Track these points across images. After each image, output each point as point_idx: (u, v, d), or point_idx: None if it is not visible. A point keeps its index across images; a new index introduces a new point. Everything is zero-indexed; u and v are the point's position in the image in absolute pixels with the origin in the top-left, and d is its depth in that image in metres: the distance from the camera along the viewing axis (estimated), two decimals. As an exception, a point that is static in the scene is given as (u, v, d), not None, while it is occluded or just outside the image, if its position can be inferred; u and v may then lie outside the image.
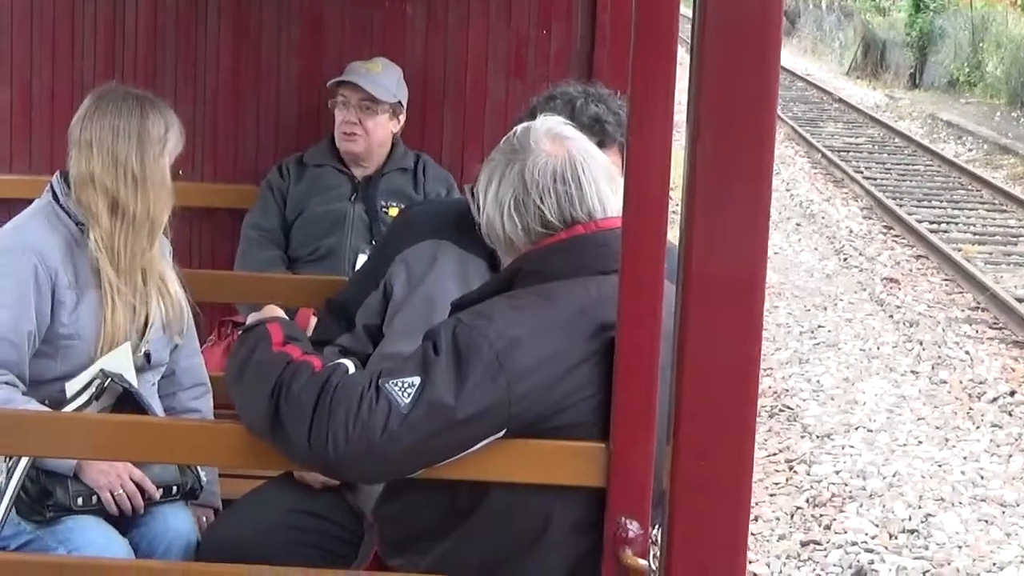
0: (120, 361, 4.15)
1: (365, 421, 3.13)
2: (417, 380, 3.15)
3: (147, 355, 4.31)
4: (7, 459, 3.93)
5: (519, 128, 3.59)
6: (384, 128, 5.77)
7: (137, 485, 4.13)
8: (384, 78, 5.72)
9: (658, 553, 3.24)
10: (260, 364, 3.32)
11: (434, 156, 5.93)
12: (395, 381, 3.16)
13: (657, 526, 3.30)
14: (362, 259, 5.36)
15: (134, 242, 4.20)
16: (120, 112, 4.21)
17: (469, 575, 3.30)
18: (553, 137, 3.51)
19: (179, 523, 4.21)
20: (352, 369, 3.30)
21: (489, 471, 3.24)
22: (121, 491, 4.11)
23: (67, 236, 4.20)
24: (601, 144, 3.90)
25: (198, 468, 4.28)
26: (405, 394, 3.14)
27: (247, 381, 3.32)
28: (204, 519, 4.38)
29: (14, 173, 5.83)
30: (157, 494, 4.18)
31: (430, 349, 3.20)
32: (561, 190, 3.41)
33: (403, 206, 5.60)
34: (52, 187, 4.29)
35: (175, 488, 4.23)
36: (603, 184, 3.46)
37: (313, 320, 4.88)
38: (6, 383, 4.03)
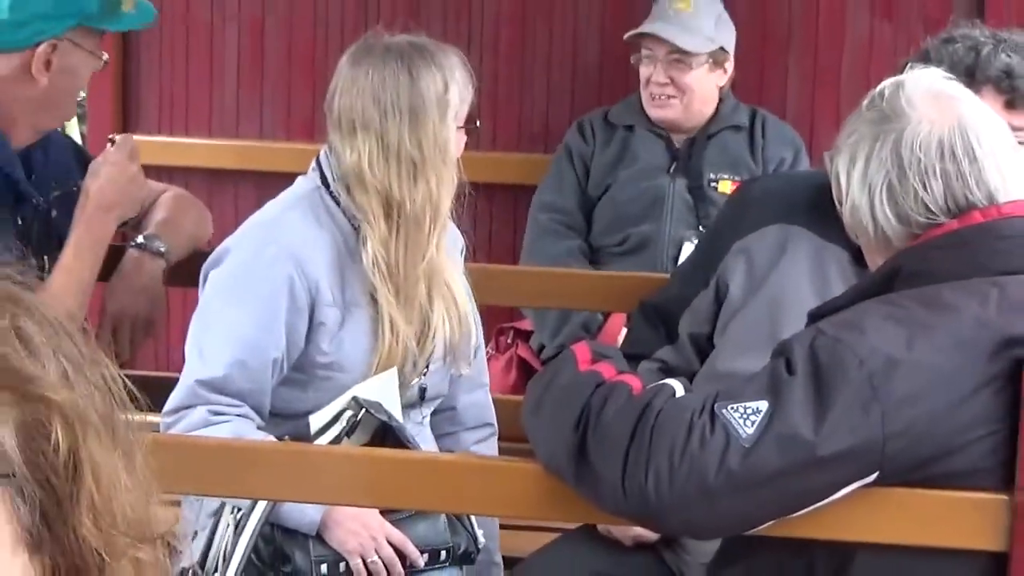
0: (381, 389, 4.15)
1: (696, 456, 3.17)
2: (764, 406, 3.18)
3: (422, 389, 4.36)
4: (235, 511, 4.01)
5: (887, 86, 3.56)
6: (705, 82, 5.78)
7: (396, 550, 4.16)
8: (697, 19, 5.72)
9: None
10: (563, 388, 3.37)
11: (776, 113, 5.93)
12: (735, 406, 3.19)
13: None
14: (687, 249, 5.39)
15: (413, 244, 4.14)
16: (385, 79, 4.13)
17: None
18: (936, 97, 3.50)
19: None
20: (680, 391, 3.34)
21: (856, 529, 3.26)
22: (376, 557, 4.13)
23: (336, 237, 4.23)
24: (1010, 106, 3.88)
25: (474, 526, 4.31)
26: (748, 423, 3.17)
27: (547, 412, 3.37)
28: None
29: (241, 138, 5.99)
30: (421, 561, 4.22)
31: (782, 367, 3.22)
32: (951, 168, 3.38)
33: (738, 179, 5.61)
34: (319, 166, 4.30)
35: (444, 552, 4.27)
36: (1006, 158, 3.45)
37: (624, 330, 4.92)
38: (239, 415, 4.07)
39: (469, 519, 4.31)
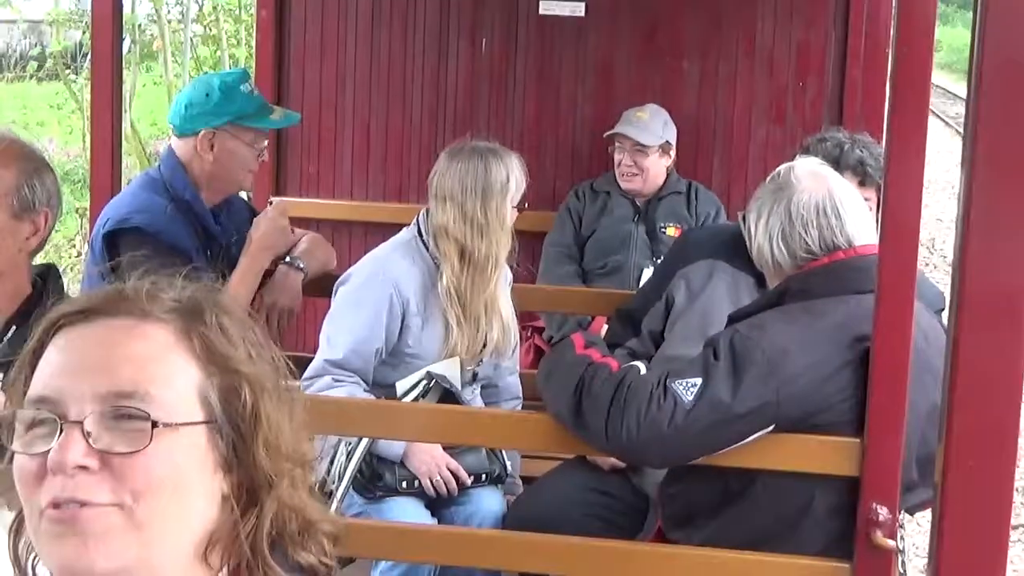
0: (447, 367, 4.22)
1: (655, 415, 3.17)
2: (699, 381, 3.18)
3: (474, 374, 4.36)
4: (348, 444, 4.05)
5: (782, 168, 3.59)
6: (656, 164, 5.76)
7: (452, 473, 4.21)
8: (651, 123, 5.72)
9: (902, 536, 3.23)
10: (566, 365, 3.38)
11: (705, 184, 5.93)
12: (680, 381, 3.19)
13: (902, 511, 3.27)
14: (646, 273, 5.39)
15: (479, 281, 4.22)
16: (468, 169, 4.20)
17: (739, 547, 3.31)
18: (814, 175, 3.51)
19: (489, 504, 4.24)
20: (643, 370, 3.34)
21: (759, 460, 3.25)
22: (439, 477, 4.18)
23: (424, 270, 4.25)
24: (862, 184, 3.90)
25: (504, 458, 4.34)
26: (689, 392, 3.16)
27: (555, 381, 3.38)
28: (508, 501, 4.38)
29: (355, 200, 5.99)
30: (468, 481, 4.24)
31: (710, 355, 3.22)
32: (823, 222, 3.40)
33: (679, 225, 5.62)
34: (418, 224, 4.33)
35: (484, 475, 4.29)
36: (858, 215, 3.45)
37: (604, 327, 4.93)
38: (352, 383, 4.12)
39: (501, 453, 4.34)
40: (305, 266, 4.46)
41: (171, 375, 1.52)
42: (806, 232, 3.40)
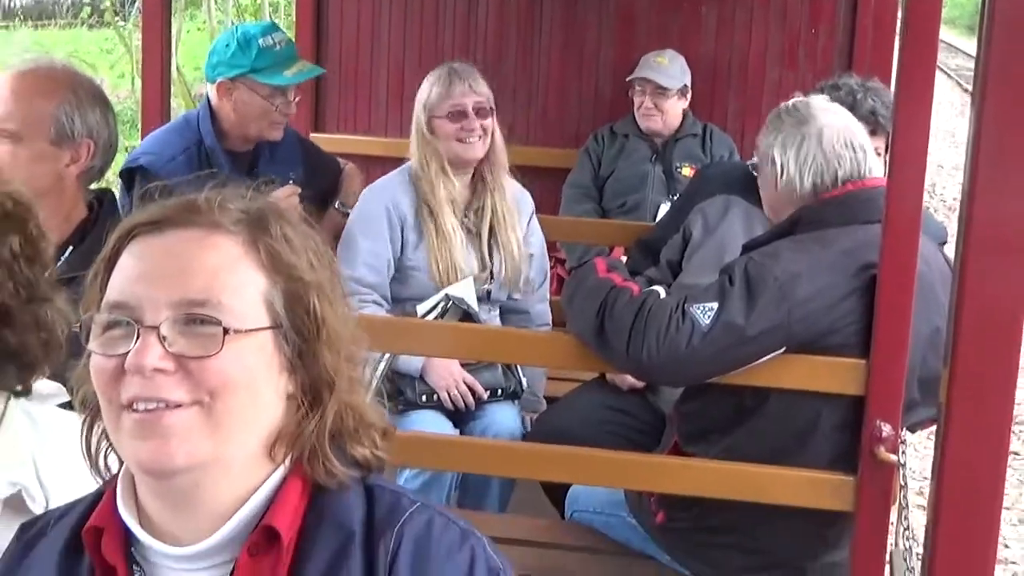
0: (464, 290, 4.21)
1: (673, 336, 3.17)
2: (715, 305, 3.18)
3: (488, 292, 4.33)
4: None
5: (796, 103, 3.57)
6: (675, 106, 5.74)
7: (469, 387, 4.20)
8: (671, 68, 5.70)
9: (903, 451, 3.24)
10: (589, 288, 3.38)
11: (720, 126, 5.90)
12: (697, 305, 3.19)
13: (904, 428, 3.28)
14: (663, 209, 5.38)
15: (435, 189, 4.24)
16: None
17: (751, 461, 3.32)
18: (833, 110, 3.52)
19: (505, 418, 4.24)
20: (663, 295, 3.34)
21: (770, 379, 3.25)
22: (456, 391, 4.18)
23: (413, 196, 4.26)
24: (873, 133, 3.87)
25: (520, 375, 4.33)
26: (706, 316, 3.17)
27: (578, 301, 3.38)
28: (529, 419, 4.40)
29: (388, 136, 5.99)
30: (485, 395, 4.23)
31: (726, 281, 3.22)
32: (848, 153, 3.39)
33: (695, 166, 5.60)
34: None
35: (499, 390, 4.27)
36: (872, 150, 3.45)
37: (622, 258, 4.92)
38: (374, 301, 4.13)
39: (517, 370, 4.32)
40: (349, 208, 4.49)
41: (240, 284, 1.54)
42: (838, 163, 3.39)
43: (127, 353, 1.50)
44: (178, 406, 1.50)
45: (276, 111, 4.36)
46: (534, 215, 4.53)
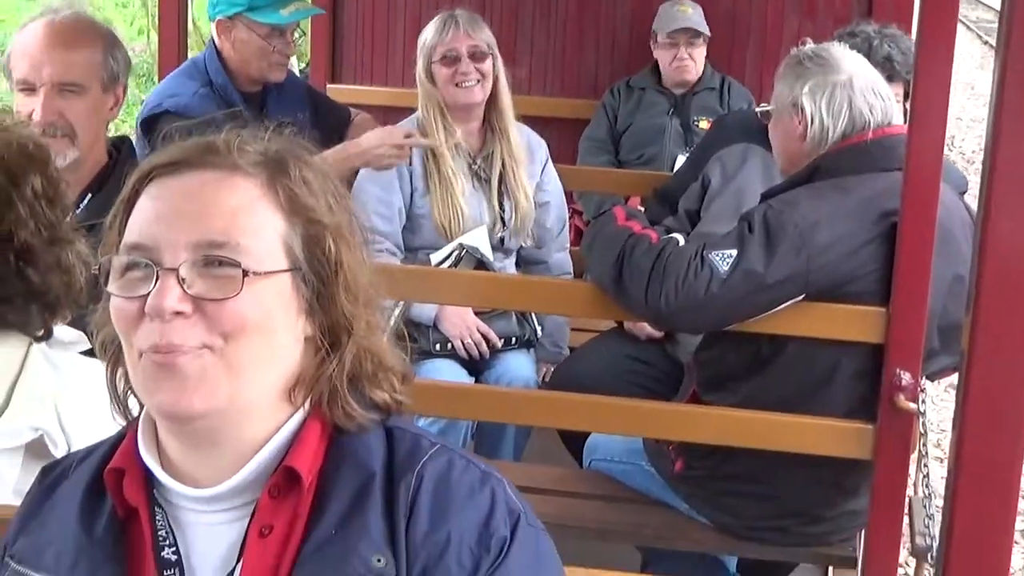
0: (477, 239, 4.20)
1: (692, 283, 3.16)
2: (734, 252, 3.16)
3: (501, 240, 4.31)
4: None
5: (815, 49, 3.52)
6: (702, 54, 5.69)
7: (483, 336, 4.19)
8: (695, 16, 5.64)
9: (923, 400, 3.22)
10: (607, 236, 3.36)
11: (738, 79, 5.86)
12: (716, 252, 3.18)
13: (924, 377, 3.27)
14: (680, 161, 5.34)
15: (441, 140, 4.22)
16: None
17: (769, 410, 3.31)
18: (853, 56, 3.48)
19: (519, 366, 4.23)
20: (682, 242, 3.33)
21: (789, 327, 3.24)
22: (470, 339, 4.16)
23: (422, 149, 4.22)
24: (889, 79, 3.81)
25: (534, 323, 4.31)
26: (724, 263, 3.15)
27: (597, 249, 3.36)
28: (546, 369, 4.40)
29: (404, 87, 5.95)
30: (499, 343, 4.22)
31: (745, 228, 3.20)
32: (878, 104, 3.36)
33: (712, 119, 5.56)
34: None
35: (514, 339, 4.26)
36: (894, 97, 3.43)
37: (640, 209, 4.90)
38: (386, 249, 4.12)
39: (532, 318, 4.31)
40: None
41: (259, 226, 1.53)
42: (870, 111, 3.36)
43: (147, 296, 1.49)
44: (195, 350, 1.49)
45: (274, 52, 4.32)
46: (549, 161, 4.51)
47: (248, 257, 1.51)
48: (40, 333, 2.16)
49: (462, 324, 4.17)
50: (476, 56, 4.22)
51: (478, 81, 4.22)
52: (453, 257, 4.15)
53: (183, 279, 1.49)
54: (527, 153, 4.38)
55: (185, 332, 1.49)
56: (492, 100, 4.28)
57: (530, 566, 1.56)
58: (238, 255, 1.50)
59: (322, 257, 1.57)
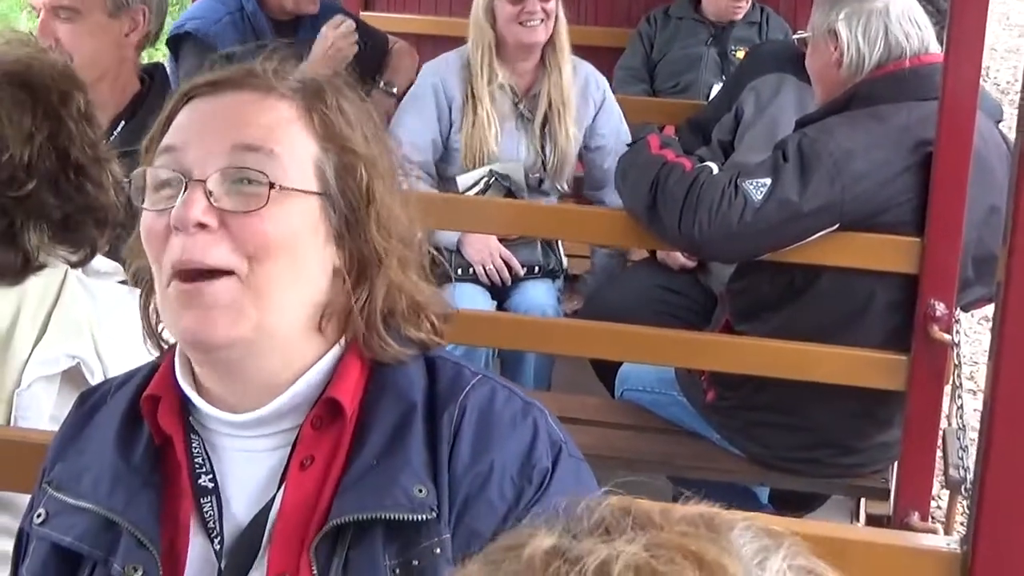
0: (510, 168, 4.17)
1: (725, 212, 3.14)
2: (768, 181, 3.14)
3: (539, 180, 4.27)
4: None
5: None
6: None
7: (505, 263, 4.16)
8: None
9: (958, 330, 3.20)
10: (641, 164, 3.34)
11: (774, 8, 5.78)
12: (751, 181, 3.16)
13: (958, 307, 3.25)
14: (716, 89, 5.29)
15: (478, 72, 4.17)
16: None
17: (802, 339, 3.30)
18: None
19: (538, 295, 4.19)
20: (716, 170, 3.30)
21: (823, 257, 3.22)
22: (491, 265, 4.13)
23: (465, 77, 4.19)
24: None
25: (560, 253, 4.28)
26: (759, 191, 3.13)
27: (630, 178, 3.35)
28: (570, 306, 4.37)
29: (439, 15, 5.91)
30: (522, 271, 4.19)
31: (780, 157, 3.18)
32: (914, 32, 3.31)
33: (747, 49, 5.51)
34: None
35: (537, 268, 4.24)
36: (931, 25, 3.38)
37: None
38: (417, 177, 4.08)
39: (558, 248, 4.28)
40: (396, 88, 4.43)
41: (292, 143, 1.52)
42: (906, 40, 3.31)
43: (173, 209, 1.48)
44: (219, 275, 1.47)
45: None
46: (608, 102, 4.39)
47: (278, 167, 1.49)
48: (81, 257, 2.18)
49: (485, 249, 4.15)
50: None
51: (542, 20, 4.15)
52: (482, 184, 4.12)
53: (210, 191, 1.47)
54: (580, 95, 4.30)
55: (208, 248, 1.46)
56: (552, 37, 4.21)
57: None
58: (269, 163, 1.49)
59: (354, 186, 1.55)
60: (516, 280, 4.20)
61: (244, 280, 1.48)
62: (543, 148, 4.23)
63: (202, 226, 1.47)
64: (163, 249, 1.49)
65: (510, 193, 4.12)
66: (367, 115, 1.62)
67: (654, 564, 0.72)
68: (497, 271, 4.15)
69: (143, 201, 1.53)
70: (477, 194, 4.09)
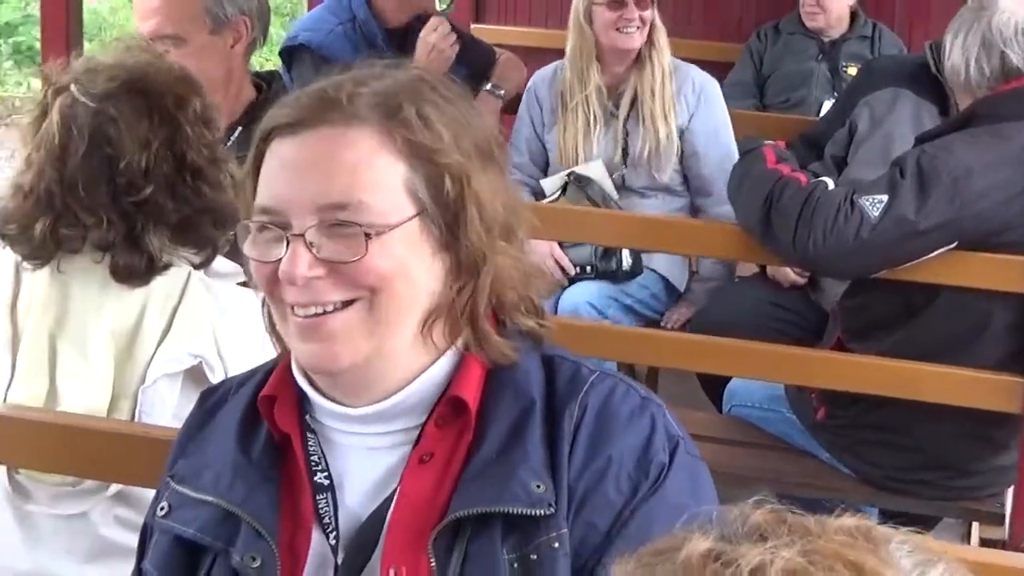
0: (592, 170, 4.18)
1: (841, 228, 3.10)
2: (885, 198, 3.10)
3: (622, 178, 4.26)
4: None
5: None
6: (839, 2, 5.57)
7: (556, 261, 4.15)
8: None
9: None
10: (756, 177, 3.32)
11: (887, 25, 5.72)
12: (867, 197, 3.12)
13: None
14: (827, 105, 5.24)
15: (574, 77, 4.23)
16: None
17: (916, 360, 3.24)
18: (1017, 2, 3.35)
19: (573, 295, 4.13)
20: (832, 186, 3.26)
21: (940, 276, 3.17)
22: (544, 266, 4.10)
23: (559, 80, 4.26)
24: None
25: (624, 257, 4.17)
26: (875, 208, 3.09)
27: (745, 191, 3.32)
28: (676, 316, 4.31)
29: (548, 27, 5.92)
30: (573, 270, 4.17)
31: (897, 173, 3.14)
32: (1023, 42, 3.24)
33: (859, 66, 5.46)
34: None
35: (588, 267, 4.19)
36: None
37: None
38: (518, 179, 4.18)
39: (621, 250, 4.18)
40: (504, 92, 4.44)
41: (379, 180, 1.52)
42: (1008, 51, 3.24)
43: (279, 261, 1.51)
44: (340, 307, 1.51)
45: None
46: (706, 108, 4.34)
47: (370, 214, 1.50)
48: (210, 253, 2.22)
49: (539, 248, 4.08)
50: (641, 3, 4.17)
51: (639, 28, 4.17)
52: (560, 187, 4.16)
53: (311, 243, 1.50)
54: (675, 95, 4.27)
55: (322, 293, 1.51)
56: (651, 39, 4.23)
57: (687, 492, 1.56)
58: (360, 214, 1.50)
59: (449, 193, 1.54)
60: (570, 280, 4.19)
61: (366, 307, 1.52)
62: (625, 142, 4.24)
63: (312, 278, 1.50)
64: (277, 289, 1.54)
65: (590, 199, 4.10)
66: (453, 105, 1.60)
67: (812, 571, 0.71)
68: (550, 272, 4.11)
69: (245, 246, 1.56)
70: (555, 198, 4.12)
